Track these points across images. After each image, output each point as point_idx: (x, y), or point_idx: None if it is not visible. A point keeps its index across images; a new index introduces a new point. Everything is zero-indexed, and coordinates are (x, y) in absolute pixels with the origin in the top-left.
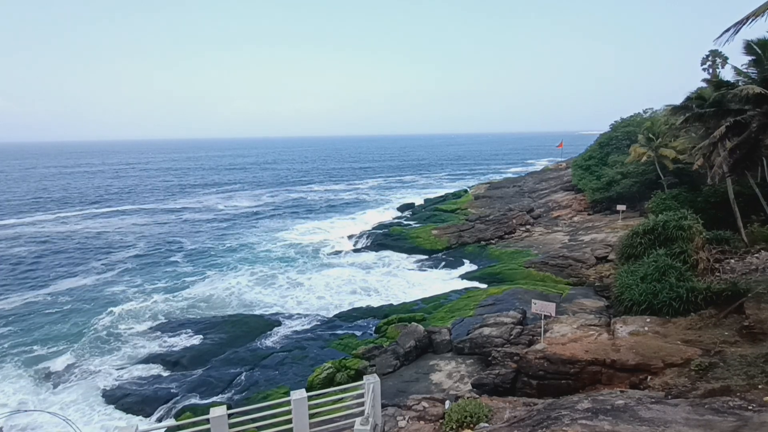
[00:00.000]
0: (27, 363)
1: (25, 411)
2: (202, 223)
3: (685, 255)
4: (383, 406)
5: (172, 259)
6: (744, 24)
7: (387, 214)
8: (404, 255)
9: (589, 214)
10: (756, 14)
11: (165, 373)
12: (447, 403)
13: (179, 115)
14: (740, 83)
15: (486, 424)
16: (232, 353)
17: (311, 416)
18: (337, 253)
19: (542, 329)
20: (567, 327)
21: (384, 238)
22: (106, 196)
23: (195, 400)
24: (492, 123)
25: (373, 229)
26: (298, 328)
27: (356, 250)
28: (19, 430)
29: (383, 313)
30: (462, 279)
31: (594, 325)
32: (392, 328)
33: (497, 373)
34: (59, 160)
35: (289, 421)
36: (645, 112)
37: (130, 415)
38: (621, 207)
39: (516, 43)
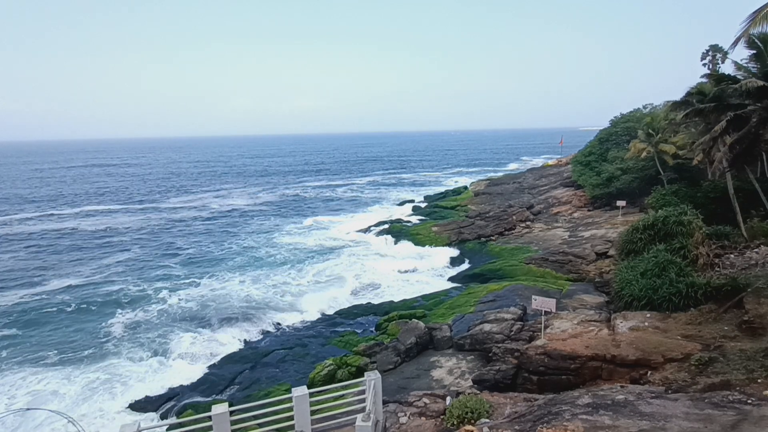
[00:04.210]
0: (28, 362)
1: (29, 409)
2: (199, 222)
3: (684, 250)
4: (384, 402)
5: (170, 258)
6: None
7: (386, 211)
8: (404, 252)
9: (588, 210)
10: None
11: (167, 371)
12: (448, 399)
13: (178, 113)
14: (740, 78)
15: (487, 420)
16: (234, 351)
17: (313, 413)
18: (336, 250)
19: (542, 325)
20: (567, 323)
21: (384, 235)
22: (102, 195)
23: (197, 398)
24: (491, 120)
25: (374, 226)
26: (298, 326)
27: (356, 247)
28: (22, 429)
29: (384, 310)
30: (462, 275)
31: (594, 321)
32: (393, 325)
33: (498, 369)
34: (55, 159)
35: (291, 418)
36: (645, 107)
37: (132, 413)
38: (621, 203)
39: (515, 40)
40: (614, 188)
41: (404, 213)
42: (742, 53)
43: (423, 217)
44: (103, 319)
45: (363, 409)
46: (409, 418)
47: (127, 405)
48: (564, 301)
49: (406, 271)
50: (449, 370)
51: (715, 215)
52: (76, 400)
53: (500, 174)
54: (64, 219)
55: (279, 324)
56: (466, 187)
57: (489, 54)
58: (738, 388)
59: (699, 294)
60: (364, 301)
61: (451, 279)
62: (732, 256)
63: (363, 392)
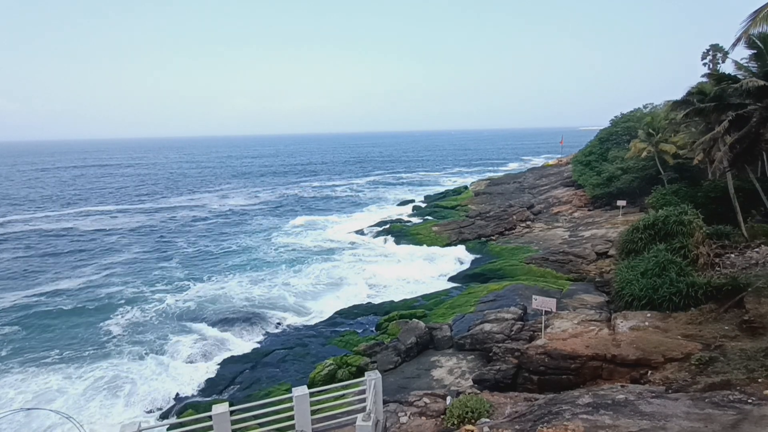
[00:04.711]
0: (29, 361)
1: (29, 409)
2: (198, 222)
3: (685, 250)
4: (385, 402)
5: (169, 259)
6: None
7: (386, 210)
8: (404, 252)
9: (589, 210)
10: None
11: (167, 371)
12: (448, 398)
13: (178, 113)
14: (741, 77)
15: (487, 420)
16: (234, 351)
17: (313, 413)
18: (335, 250)
19: (543, 325)
20: (568, 322)
21: (385, 235)
22: (101, 195)
23: (197, 398)
24: (491, 119)
25: (374, 225)
26: (298, 325)
27: (357, 247)
28: (23, 429)
29: (384, 309)
30: (462, 275)
31: (594, 321)
32: (393, 325)
33: (498, 369)
34: (55, 159)
35: (291, 418)
36: (645, 107)
37: (132, 413)
38: (621, 202)
39: (515, 40)
40: (614, 188)
41: (404, 213)
42: (742, 53)
43: (423, 217)
44: (102, 319)
45: (363, 409)
46: (409, 417)
47: (127, 405)
48: (564, 301)
49: (405, 268)
50: (449, 370)
51: (715, 215)
52: (77, 401)
53: (500, 174)
54: (63, 219)
55: (279, 324)
56: (466, 187)
57: (488, 54)
58: (738, 388)
59: (699, 294)
60: (364, 301)
61: (451, 279)
62: (732, 255)
63: (363, 392)
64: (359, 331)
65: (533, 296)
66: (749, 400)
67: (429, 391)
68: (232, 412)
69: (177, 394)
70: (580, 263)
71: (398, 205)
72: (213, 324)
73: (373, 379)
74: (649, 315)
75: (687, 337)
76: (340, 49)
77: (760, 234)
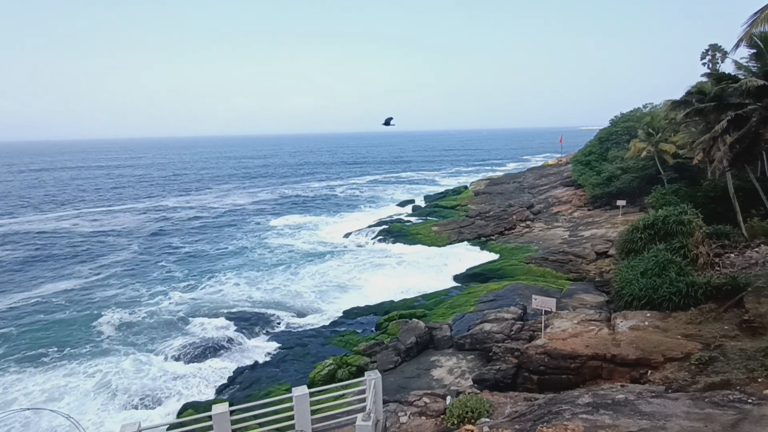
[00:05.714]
0: (27, 363)
1: (28, 409)
2: (196, 221)
3: (685, 250)
4: (385, 401)
5: (167, 259)
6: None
7: (386, 210)
8: (404, 251)
9: (589, 210)
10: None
11: (165, 371)
12: (448, 398)
13: (178, 113)
14: (741, 77)
15: (487, 419)
16: (233, 351)
17: (313, 412)
18: (334, 250)
19: (543, 324)
20: (567, 322)
21: (384, 235)
22: (100, 196)
23: (197, 398)
24: (491, 119)
25: (373, 225)
26: (298, 325)
27: (356, 247)
28: (23, 429)
29: (384, 309)
30: (462, 275)
31: (594, 320)
32: (393, 325)
33: (498, 369)
34: (55, 159)
35: (291, 418)
36: (645, 107)
37: (132, 413)
38: (621, 202)
39: (514, 39)
40: (614, 188)
41: (404, 212)
42: (742, 52)
43: (423, 217)
44: (101, 319)
45: (363, 409)
46: (409, 417)
47: (126, 405)
48: (564, 301)
49: (404, 268)
50: (449, 370)
51: (715, 214)
52: (77, 400)
53: (500, 173)
54: (60, 219)
55: (279, 324)
56: (466, 187)
57: (488, 54)
58: (738, 388)
59: (699, 293)
60: (363, 301)
61: (452, 278)
62: (732, 255)
63: (363, 392)
64: (359, 330)
65: (533, 296)
66: (749, 400)
67: (429, 391)
68: (232, 412)
69: (176, 394)
70: (580, 263)
71: (398, 204)
72: (211, 324)
73: (372, 378)
74: (648, 315)
75: (687, 337)
76: (341, 49)
77: (760, 234)
